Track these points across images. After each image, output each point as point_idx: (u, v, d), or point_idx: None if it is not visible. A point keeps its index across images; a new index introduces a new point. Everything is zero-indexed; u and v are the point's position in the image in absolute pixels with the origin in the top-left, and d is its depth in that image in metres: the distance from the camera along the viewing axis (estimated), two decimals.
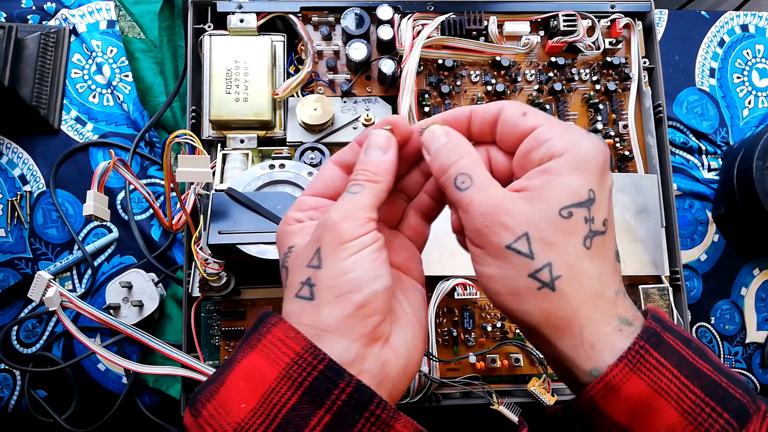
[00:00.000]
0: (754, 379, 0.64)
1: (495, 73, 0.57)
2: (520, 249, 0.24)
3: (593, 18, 0.57)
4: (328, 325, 0.25)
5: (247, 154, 0.51)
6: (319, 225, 0.27)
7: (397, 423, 0.24)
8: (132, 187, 0.61)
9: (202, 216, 0.46)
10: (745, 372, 0.64)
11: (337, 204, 0.28)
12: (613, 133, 0.57)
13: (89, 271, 0.60)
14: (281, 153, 0.52)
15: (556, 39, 0.56)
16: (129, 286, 0.56)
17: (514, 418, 0.49)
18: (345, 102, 0.55)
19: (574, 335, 0.24)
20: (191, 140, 0.45)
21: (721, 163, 0.68)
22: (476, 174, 0.26)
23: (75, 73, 0.65)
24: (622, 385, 0.23)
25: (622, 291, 0.25)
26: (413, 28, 0.54)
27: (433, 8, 0.55)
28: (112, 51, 0.65)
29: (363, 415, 0.24)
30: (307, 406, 0.24)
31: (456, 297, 0.51)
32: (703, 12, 0.72)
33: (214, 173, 0.49)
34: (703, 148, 0.68)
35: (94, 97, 0.65)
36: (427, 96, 0.56)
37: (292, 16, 0.54)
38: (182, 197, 0.52)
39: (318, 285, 0.26)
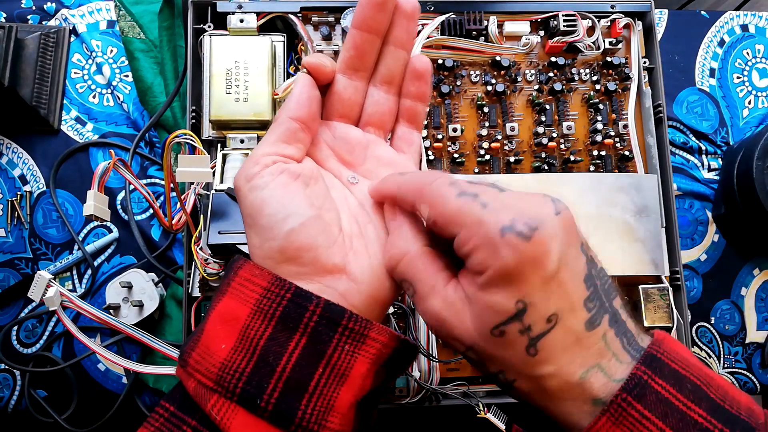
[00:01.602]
0: (754, 379, 0.64)
1: (495, 73, 0.57)
2: (472, 357, 0.26)
3: (593, 18, 0.57)
4: (277, 261, 0.27)
5: (247, 154, 0.51)
6: None
7: (371, 332, 0.25)
8: (132, 187, 0.61)
9: (202, 216, 0.46)
10: (745, 372, 0.64)
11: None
12: (613, 133, 0.57)
13: (89, 271, 0.60)
14: None
15: (556, 39, 0.56)
16: (129, 286, 0.56)
17: (502, 426, 0.49)
18: None
19: (550, 411, 0.25)
20: (191, 140, 0.45)
21: (721, 163, 0.68)
22: (416, 282, 0.27)
23: (75, 73, 0.65)
24: None
25: (595, 366, 0.24)
26: None
27: (433, 8, 0.55)
28: (112, 51, 0.65)
29: (336, 330, 0.25)
30: (282, 333, 0.25)
31: None
32: (703, 12, 0.72)
33: (214, 173, 0.49)
34: (703, 148, 0.68)
35: (94, 97, 0.65)
36: None
37: (292, 16, 0.54)
38: (182, 197, 0.52)
39: (255, 227, 0.28)
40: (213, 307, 0.27)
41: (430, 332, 0.50)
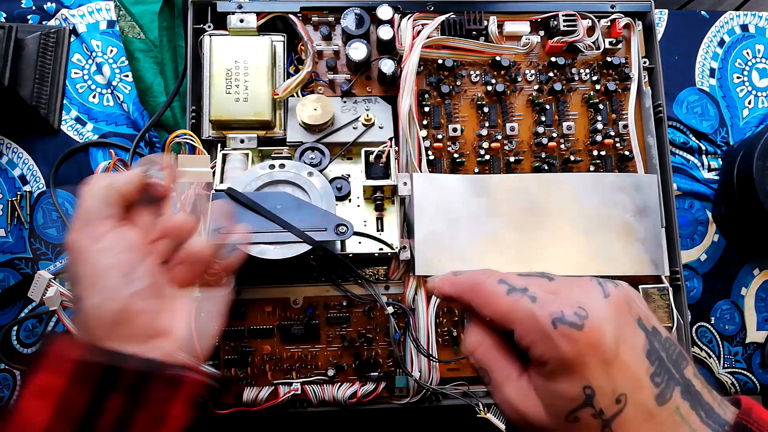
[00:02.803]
0: (754, 379, 0.64)
1: (495, 73, 0.57)
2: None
3: (593, 18, 0.57)
4: (113, 322, 0.33)
5: (247, 154, 0.51)
6: None
7: (186, 375, 0.31)
8: None
9: (202, 216, 0.46)
10: (745, 372, 0.64)
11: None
12: (613, 133, 0.57)
13: None
14: (281, 153, 0.52)
15: (556, 39, 0.56)
16: None
17: (502, 426, 0.49)
18: (345, 102, 0.55)
19: None
20: (191, 140, 0.45)
21: (721, 163, 0.68)
22: (492, 370, 0.27)
23: (75, 73, 0.65)
24: None
25: None
26: (413, 28, 0.54)
27: (433, 8, 0.55)
28: (112, 51, 0.65)
29: (151, 381, 0.30)
30: (100, 396, 0.29)
31: None
32: (703, 12, 0.72)
33: (214, 173, 0.49)
34: (703, 148, 0.68)
35: (94, 97, 0.65)
36: (427, 96, 0.56)
37: (292, 16, 0.54)
38: (182, 197, 0.52)
39: (97, 287, 0.34)
40: (25, 383, 0.29)
41: (430, 332, 0.50)
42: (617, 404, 0.24)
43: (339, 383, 0.50)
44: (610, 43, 0.57)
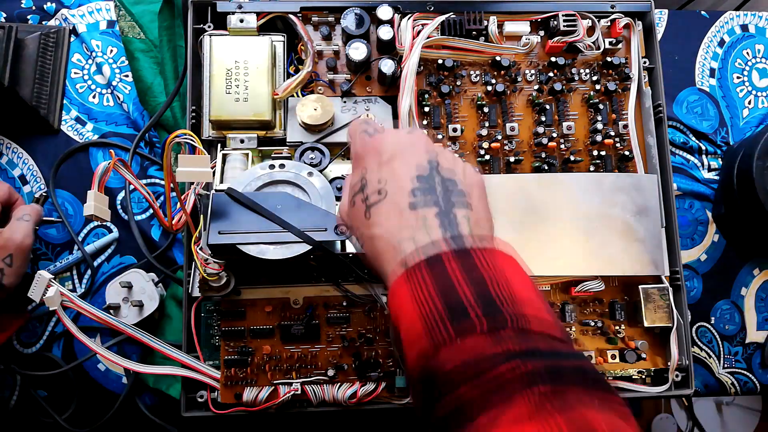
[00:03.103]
0: (754, 379, 0.64)
1: (495, 73, 0.57)
2: (350, 234, 0.39)
3: (593, 18, 0.57)
4: None
5: (247, 154, 0.51)
6: (7, 240, 0.51)
7: None
8: (132, 187, 0.61)
9: (202, 216, 0.46)
10: (745, 372, 0.64)
11: (18, 227, 0.52)
12: (613, 133, 0.57)
13: (89, 271, 0.60)
14: (281, 153, 0.52)
15: (556, 39, 0.56)
16: (129, 286, 0.56)
17: None
18: (345, 102, 0.55)
19: (380, 271, 0.34)
20: (191, 140, 0.45)
21: (721, 163, 0.68)
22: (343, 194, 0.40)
23: (75, 73, 0.65)
24: (396, 288, 0.31)
25: (410, 238, 0.32)
26: (413, 28, 0.54)
27: (433, 8, 0.55)
28: (112, 51, 0.65)
29: None
30: None
31: None
32: (703, 12, 0.72)
33: (214, 173, 0.49)
34: (703, 148, 0.68)
35: (94, 97, 0.65)
36: (427, 96, 0.56)
37: (292, 16, 0.54)
38: (182, 197, 0.52)
39: (6, 274, 0.51)
40: None
41: None
42: (378, 195, 0.34)
43: (339, 383, 0.50)
44: (610, 43, 0.57)
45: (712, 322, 0.65)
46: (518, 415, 0.24)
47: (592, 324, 0.54)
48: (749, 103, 0.70)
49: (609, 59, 0.57)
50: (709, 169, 0.68)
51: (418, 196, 0.33)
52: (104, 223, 0.61)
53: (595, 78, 0.57)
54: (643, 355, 0.53)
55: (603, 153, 0.56)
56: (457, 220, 0.32)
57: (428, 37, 0.53)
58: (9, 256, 0.50)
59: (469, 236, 0.32)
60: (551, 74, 0.57)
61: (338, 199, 0.51)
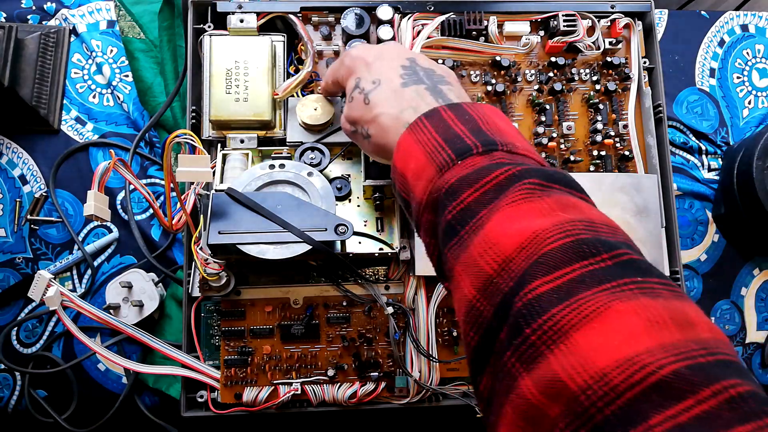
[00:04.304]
0: (754, 379, 0.64)
1: (495, 73, 0.57)
2: (353, 129, 0.42)
3: (593, 18, 0.57)
4: None
5: (247, 154, 0.51)
6: None
7: None
8: (132, 187, 0.61)
9: (202, 216, 0.46)
10: None
11: None
12: (613, 133, 0.57)
13: (89, 271, 0.60)
14: (281, 153, 0.52)
15: (556, 39, 0.56)
16: (129, 286, 0.56)
17: None
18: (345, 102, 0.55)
19: (386, 146, 0.38)
20: (191, 140, 0.45)
21: (721, 163, 0.68)
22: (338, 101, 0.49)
23: (75, 73, 0.65)
24: (401, 141, 0.35)
25: (409, 107, 0.36)
26: (413, 28, 0.54)
27: (433, 8, 0.55)
28: (112, 51, 0.65)
29: None
30: None
31: None
32: (703, 12, 0.72)
33: (214, 173, 0.49)
34: (703, 148, 0.68)
35: (94, 97, 0.65)
36: None
37: (292, 16, 0.54)
38: (182, 197, 0.52)
39: None
40: None
41: (430, 332, 0.50)
42: (373, 84, 0.39)
43: (339, 383, 0.50)
44: (610, 43, 0.57)
45: (712, 322, 0.65)
46: (512, 199, 0.28)
47: None
48: (749, 103, 0.70)
49: (609, 59, 0.57)
50: (709, 169, 0.68)
51: (407, 78, 0.38)
52: (104, 223, 0.61)
53: (595, 78, 0.57)
54: None
55: (603, 153, 0.56)
56: (444, 92, 0.37)
57: (428, 38, 0.53)
58: None
59: (456, 100, 0.37)
60: (551, 74, 0.57)
61: (338, 199, 0.51)
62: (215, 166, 0.50)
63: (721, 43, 0.71)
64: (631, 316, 0.22)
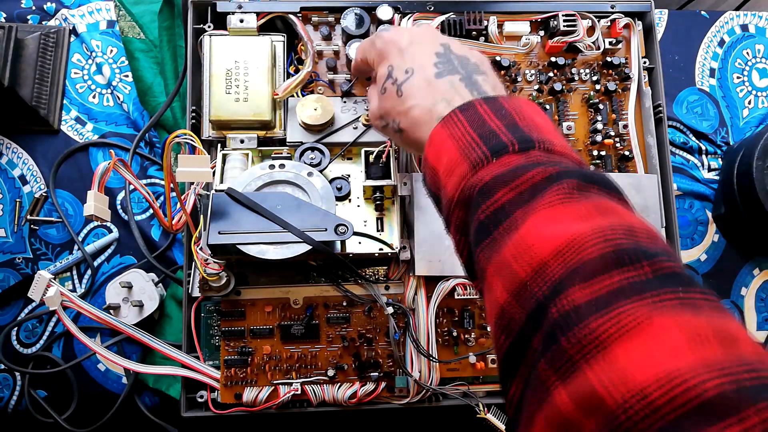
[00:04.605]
0: None
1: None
2: (383, 123, 0.40)
3: (593, 18, 0.57)
4: None
5: (247, 155, 0.51)
6: None
7: None
8: (132, 187, 0.61)
9: (202, 216, 0.46)
10: None
11: None
12: (613, 133, 0.57)
13: (89, 272, 0.60)
14: (281, 153, 0.52)
15: (556, 39, 0.56)
16: (129, 286, 0.56)
17: (501, 426, 0.49)
18: (345, 102, 0.55)
19: (418, 140, 0.37)
20: (191, 140, 0.45)
21: (721, 163, 0.68)
22: (370, 91, 0.43)
23: (75, 73, 0.65)
24: (434, 134, 0.34)
25: (442, 99, 0.35)
26: None
27: (433, 8, 0.55)
28: (112, 51, 0.65)
29: None
30: None
31: (456, 297, 0.51)
32: (703, 12, 0.72)
33: (214, 173, 0.49)
34: (703, 148, 0.68)
35: (94, 97, 0.65)
36: None
37: (292, 16, 0.54)
38: (182, 197, 0.52)
39: None
40: None
41: (430, 333, 0.50)
42: (406, 74, 0.37)
43: (339, 383, 0.50)
44: (610, 43, 0.57)
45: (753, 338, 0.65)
46: (549, 201, 0.27)
47: None
48: (749, 103, 0.70)
49: (609, 59, 0.57)
50: (709, 169, 0.68)
51: (441, 68, 0.37)
52: (104, 223, 0.61)
53: (595, 78, 0.57)
54: None
55: (603, 153, 0.56)
56: (479, 83, 0.36)
57: None
58: None
59: (492, 92, 0.35)
60: (551, 74, 0.57)
61: (338, 199, 0.51)
62: (215, 166, 0.50)
63: (721, 43, 0.71)
64: (673, 330, 0.21)
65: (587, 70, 0.57)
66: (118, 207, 0.61)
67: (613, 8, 0.57)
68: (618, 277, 0.23)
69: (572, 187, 0.28)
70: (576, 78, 0.57)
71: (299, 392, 0.50)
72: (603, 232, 0.25)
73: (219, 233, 0.42)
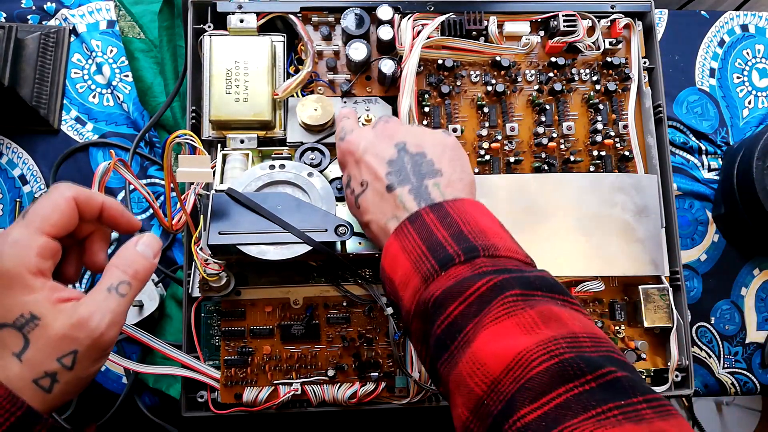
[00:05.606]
0: (754, 379, 0.64)
1: (495, 73, 0.57)
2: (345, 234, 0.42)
3: (593, 18, 0.57)
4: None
5: (247, 155, 0.51)
6: (78, 325, 0.29)
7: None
8: (132, 187, 0.61)
9: (202, 216, 0.46)
10: (745, 372, 0.64)
11: (106, 308, 0.30)
12: (613, 133, 0.57)
13: (89, 271, 0.60)
14: (281, 153, 0.52)
15: (556, 39, 0.56)
16: None
17: None
18: (345, 102, 0.55)
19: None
20: (191, 140, 0.45)
21: (721, 163, 0.68)
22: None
23: (75, 73, 0.65)
24: (388, 246, 0.36)
25: (393, 217, 0.37)
26: (413, 28, 0.54)
27: (433, 8, 0.55)
28: (112, 51, 0.65)
29: None
30: None
31: None
32: (703, 12, 0.72)
33: (214, 173, 0.49)
34: (703, 148, 0.68)
35: (94, 97, 0.65)
36: (427, 96, 0.56)
37: (292, 16, 0.54)
38: (182, 197, 0.52)
39: (60, 383, 0.29)
40: None
41: None
42: (362, 186, 0.40)
43: (339, 383, 0.50)
44: (610, 43, 0.57)
45: (712, 322, 0.65)
46: (496, 315, 0.30)
47: None
48: (749, 103, 0.70)
49: (609, 59, 0.57)
50: (709, 169, 0.68)
51: (392, 178, 0.38)
52: None
53: (595, 78, 0.57)
54: (643, 356, 0.53)
55: (603, 153, 0.56)
56: (429, 190, 0.37)
57: (428, 38, 0.53)
58: (73, 353, 0.28)
59: (440, 198, 0.37)
60: (551, 74, 0.57)
61: (338, 199, 0.51)
62: (215, 166, 0.50)
63: (721, 43, 0.71)
64: None
65: (587, 71, 0.57)
66: None
67: (613, 8, 0.57)
68: (564, 391, 0.26)
69: (516, 296, 0.30)
70: (576, 78, 0.57)
71: (299, 392, 0.50)
72: (547, 346, 0.27)
73: (219, 233, 0.42)
